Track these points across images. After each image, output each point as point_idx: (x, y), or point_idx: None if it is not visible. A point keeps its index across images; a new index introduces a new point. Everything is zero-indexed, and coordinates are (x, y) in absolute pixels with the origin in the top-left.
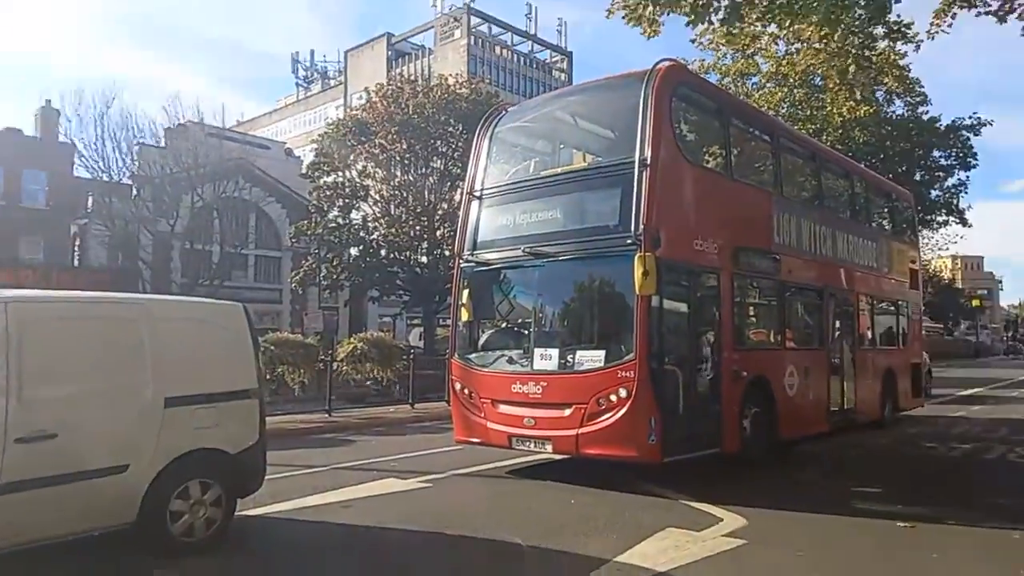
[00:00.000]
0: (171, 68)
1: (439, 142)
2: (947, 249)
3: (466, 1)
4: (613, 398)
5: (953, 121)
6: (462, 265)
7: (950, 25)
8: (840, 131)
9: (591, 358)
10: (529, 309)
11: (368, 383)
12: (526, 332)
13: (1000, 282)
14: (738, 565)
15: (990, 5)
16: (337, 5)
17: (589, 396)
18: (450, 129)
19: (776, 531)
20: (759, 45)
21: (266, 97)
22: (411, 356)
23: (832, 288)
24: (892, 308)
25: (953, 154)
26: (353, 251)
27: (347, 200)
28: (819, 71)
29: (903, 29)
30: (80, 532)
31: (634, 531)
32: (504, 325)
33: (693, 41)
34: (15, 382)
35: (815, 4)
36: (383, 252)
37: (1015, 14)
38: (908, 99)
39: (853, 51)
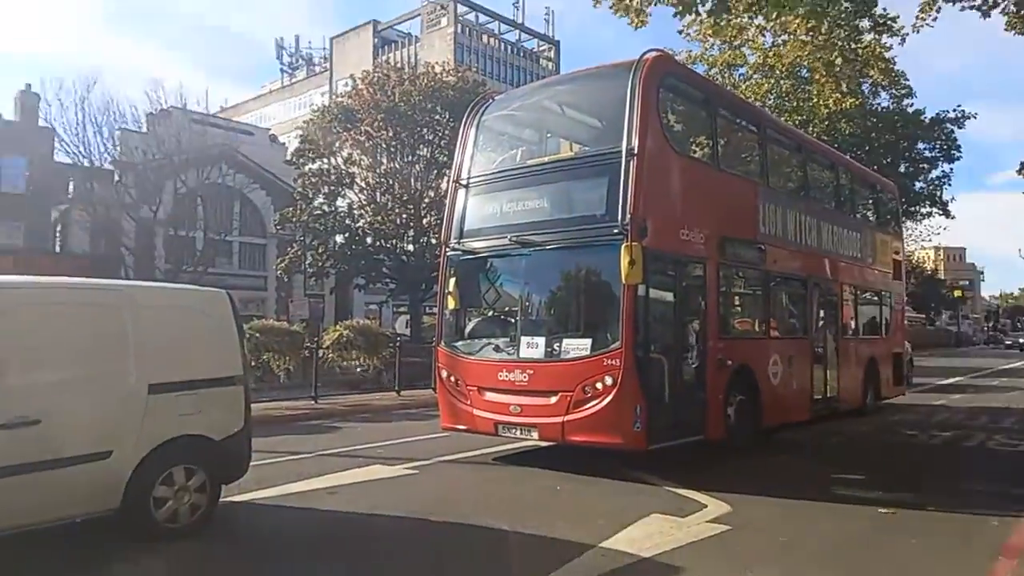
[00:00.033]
0: (153, 54)
1: (425, 130)
2: (930, 240)
3: None
4: (599, 386)
5: (937, 114)
6: (449, 253)
7: (935, 19)
8: (826, 123)
9: (577, 346)
10: (516, 298)
11: (359, 370)
12: (512, 320)
13: (982, 273)
14: (723, 550)
15: (974, 0)
16: None
17: (575, 384)
18: (436, 117)
19: (760, 517)
20: (746, 36)
21: (250, 84)
22: (397, 344)
23: (816, 278)
24: (875, 298)
25: (937, 146)
26: (339, 238)
27: (332, 187)
28: (806, 63)
29: (888, 22)
30: (63, 518)
31: (620, 517)
32: (491, 313)
33: (680, 32)
34: None
35: None
36: (369, 240)
37: (999, 8)
38: (893, 92)
39: (839, 44)
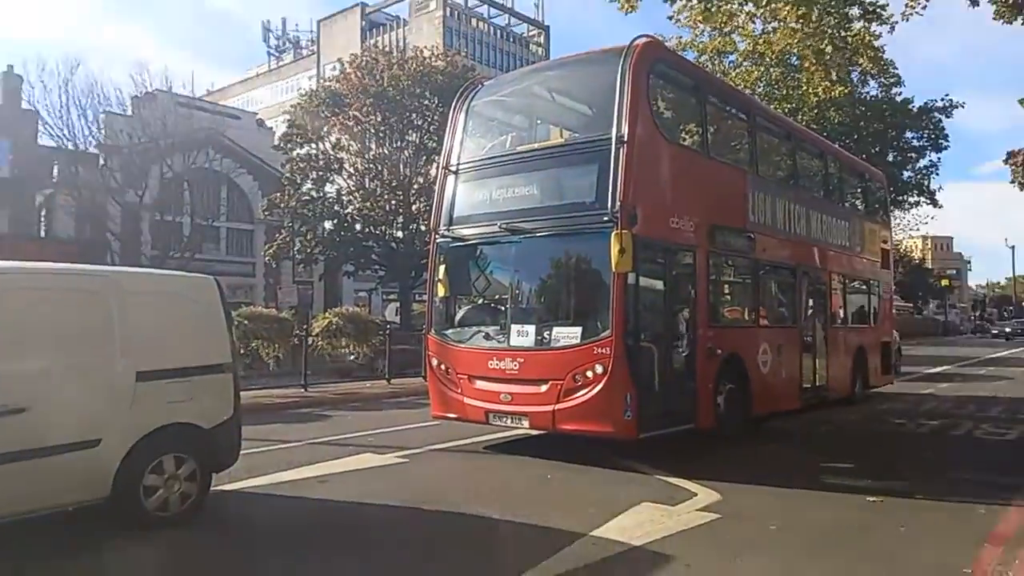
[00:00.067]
0: (137, 36)
1: (414, 115)
2: (918, 229)
3: None
4: (589, 374)
5: (926, 103)
6: (438, 240)
7: (924, 7)
8: (815, 111)
9: (567, 334)
10: (506, 285)
11: (351, 358)
12: (503, 308)
13: (969, 262)
14: (713, 539)
15: None
16: None
17: (565, 372)
18: (425, 102)
19: (749, 505)
20: (736, 23)
21: (236, 67)
22: (387, 331)
23: (805, 267)
24: (864, 287)
25: (925, 135)
26: (327, 225)
27: (321, 173)
28: (795, 51)
29: (878, 10)
30: (52, 507)
31: (610, 506)
32: (481, 301)
33: (671, 18)
34: None
35: None
36: (358, 226)
37: None
38: (882, 80)
39: (829, 31)
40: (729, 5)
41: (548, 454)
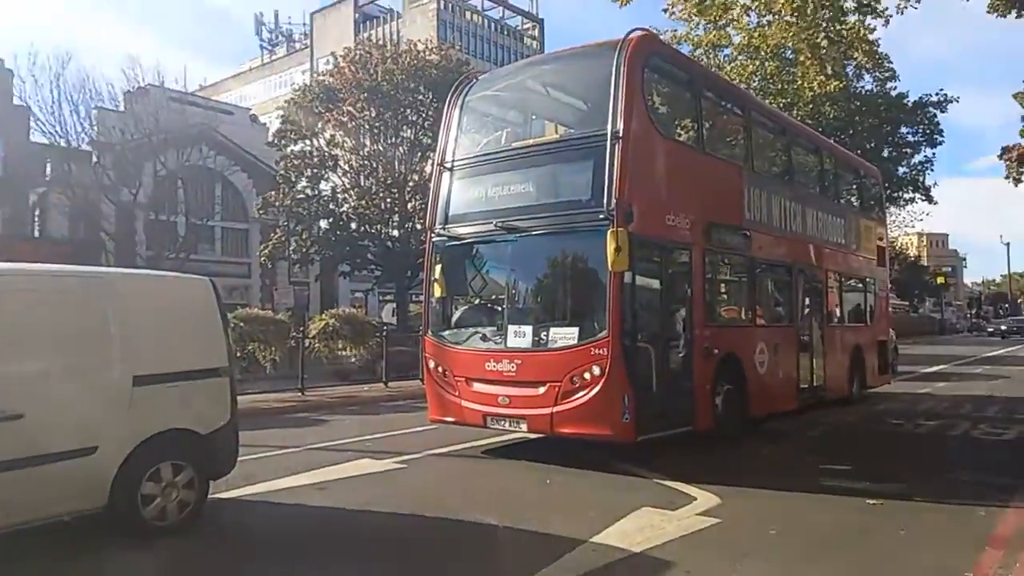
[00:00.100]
0: (129, 29)
1: (409, 110)
2: (913, 226)
3: None
4: (587, 376)
5: (920, 98)
6: (434, 239)
7: (918, 1)
8: (810, 106)
9: (564, 335)
10: (502, 285)
11: (352, 360)
12: (499, 309)
13: (964, 260)
14: (713, 543)
15: None
16: None
17: (563, 374)
18: (420, 97)
19: (749, 509)
20: (731, 16)
21: (229, 62)
22: (384, 333)
23: (801, 265)
24: (860, 285)
25: (920, 131)
26: (323, 224)
27: (315, 170)
28: (791, 44)
29: (872, 3)
30: (49, 517)
31: (610, 510)
32: (477, 301)
33: (665, 11)
34: None
35: None
36: (353, 225)
37: None
38: (877, 75)
39: (824, 24)
40: None
41: (546, 458)
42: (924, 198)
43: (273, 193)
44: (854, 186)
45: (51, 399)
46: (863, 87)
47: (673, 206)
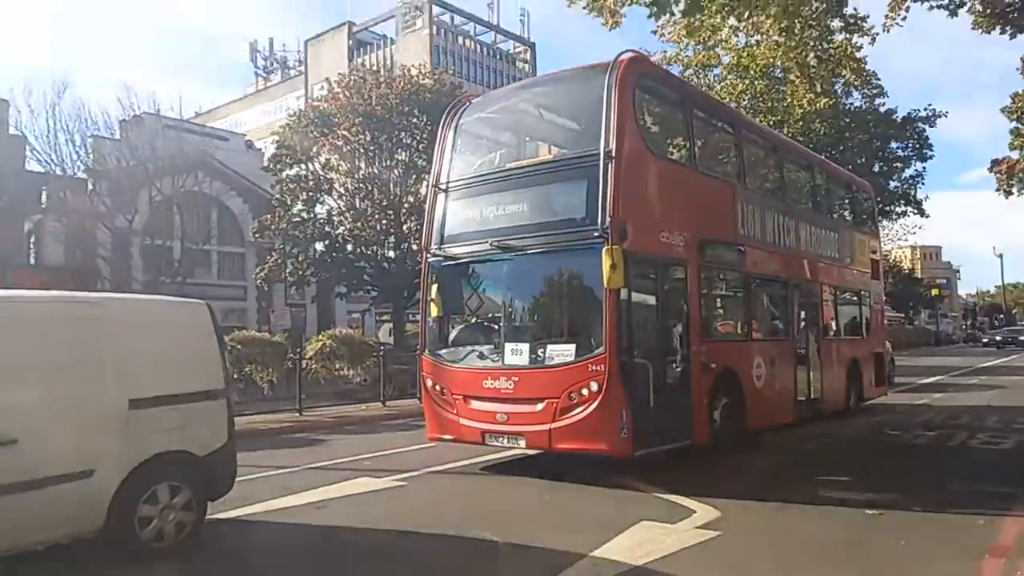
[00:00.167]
0: (124, 58)
1: (403, 134)
2: (906, 239)
3: None
4: (584, 392)
5: (909, 113)
6: (430, 260)
7: (904, 18)
8: (800, 123)
9: (561, 352)
10: (498, 303)
11: (357, 380)
12: (496, 327)
13: (958, 271)
14: (713, 557)
15: None
16: None
17: (560, 390)
18: (414, 120)
19: (748, 522)
20: (720, 37)
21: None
22: (381, 353)
23: (796, 279)
24: (855, 298)
25: (910, 145)
26: (319, 246)
27: (311, 194)
28: (779, 63)
29: (859, 22)
30: (45, 541)
31: (609, 525)
32: (474, 320)
33: (655, 32)
34: None
35: None
36: (349, 247)
37: (965, 7)
38: (866, 91)
39: (811, 43)
40: (712, 19)
41: (545, 473)
42: (916, 211)
43: (269, 217)
44: (846, 201)
45: (46, 424)
46: (852, 103)
47: (667, 223)
